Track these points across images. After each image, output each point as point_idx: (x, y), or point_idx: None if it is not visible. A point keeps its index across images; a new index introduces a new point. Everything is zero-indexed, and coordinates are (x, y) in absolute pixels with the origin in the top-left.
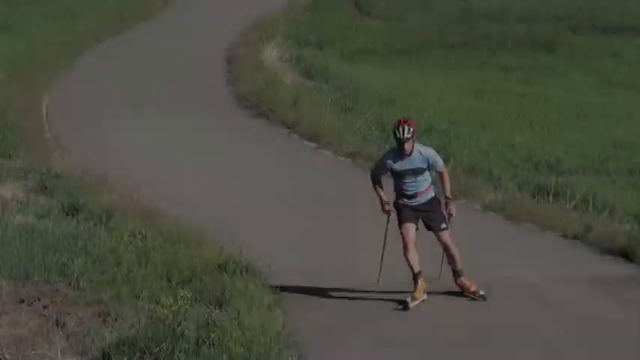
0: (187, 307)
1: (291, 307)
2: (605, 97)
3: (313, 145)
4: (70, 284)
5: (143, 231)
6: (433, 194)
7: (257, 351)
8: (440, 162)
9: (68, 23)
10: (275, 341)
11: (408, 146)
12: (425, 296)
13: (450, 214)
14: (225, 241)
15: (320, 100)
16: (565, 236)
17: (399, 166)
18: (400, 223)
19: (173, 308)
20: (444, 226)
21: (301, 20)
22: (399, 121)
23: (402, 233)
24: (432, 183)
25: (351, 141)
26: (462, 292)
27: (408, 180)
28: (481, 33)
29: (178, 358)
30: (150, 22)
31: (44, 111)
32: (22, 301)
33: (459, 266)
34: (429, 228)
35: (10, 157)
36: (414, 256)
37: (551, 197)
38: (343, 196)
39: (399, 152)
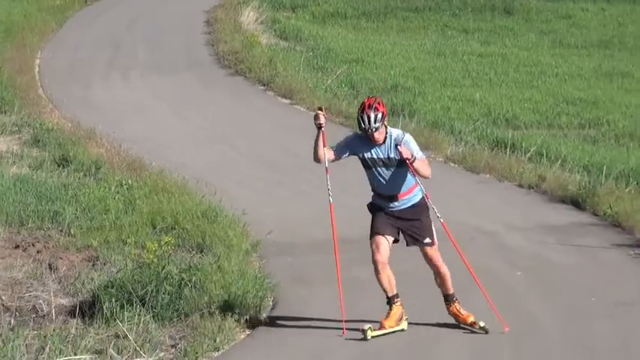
0: (171, 252)
1: (267, 252)
2: (558, 57)
3: (287, 101)
4: (61, 231)
5: (129, 181)
6: (419, 199)
7: (235, 293)
8: (418, 152)
9: None
10: (252, 284)
11: (378, 135)
12: (404, 325)
13: (400, 153)
14: (205, 191)
15: (293, 59)
16: (520, 186)
17: (369, 152)
18: (372, 232)
19: (157, 253)
20: (428, 240)
21: None
22: (363, 107)
23: (372, 245)
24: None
25: (322, 97)
26: (457, 323)
27: (383, 174)
28: None
29: (162, 299)
30: None
31: (36, 70)
32: (17, 247)
33: (451, 290)
34: (411, 241)
35: (5, 113)
36: (387, 277)
37: (508, 150)
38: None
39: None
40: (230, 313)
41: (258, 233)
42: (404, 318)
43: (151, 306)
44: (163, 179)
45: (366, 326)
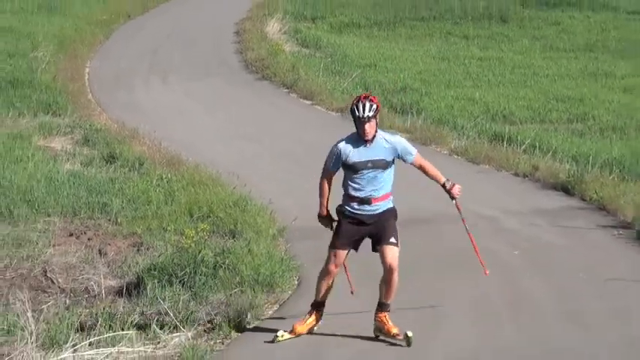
0: (206, 237)
1: (292, 237)
2: (548, 60)
3: (308, 102)
4: (109, 220)
5: (169, 175)
6: (391, 205)
7: (264, 273)
8: (412, 150)
9: (104, 4)
10: (279, 265)
11: (369, 128)
12: (317, 326)
13: (454, 198)
14: (235, 183)
15: (313, 65)
16: (516, 175)
17: (357, 155)
18: (333, 241)
19: (194, 239)
20: (393, 240)
21: None
22: (358, 98)
23: (329, 255)
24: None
25: (339, 98)
26: (377, 334)
27: (365, 177)
28: (446, 8)
29: (199, 279)
30: (173, 1)
31: (86, 77)
32: (71, 235)
33: (390, 299)
34: (375, 244)
35: (59, 116)
36: (327, 285)
37: (505, 143)
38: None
39: (359, 137)
40: (259, 291)
41: (283, 220)
42: (317, 327)
43: (189, 286)
44: (199, 173)
45: (279, 332)
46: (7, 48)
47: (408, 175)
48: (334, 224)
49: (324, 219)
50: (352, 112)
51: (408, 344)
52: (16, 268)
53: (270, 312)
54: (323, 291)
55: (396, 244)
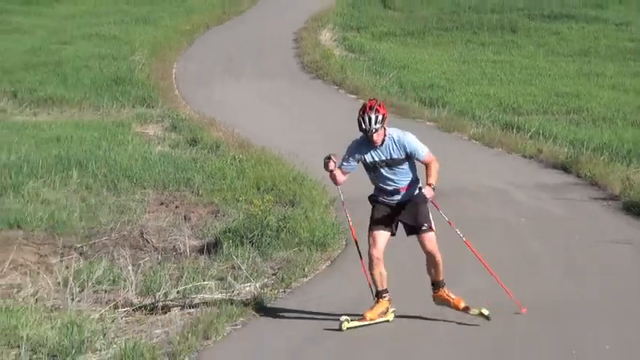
0: (270, 206)
1: (340, 206)
2: (550, 63)
3: (354, 97)
4: (192, 192)
5: (240, 156)
6: (418, 191)
7: (318, 235)
8: (422, 149)
9: (188, 16)
10: (330, 229)
11: (377, 137)
12: (389, 317)
13: (423, 195)
14: (294, 162)
15: (358, 66)
16: (524, 156)
17: (370, 157)
18: (371, 224)
19: (261, 207)
20: (425, 226)
21: (345, 13)
22: (364, 108)
23: (369, 238)
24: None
25: (380, 93)
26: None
27: (385, 174)
28: (466, 20)
29: (265, 240)
30: (243, 15)
31: (173, 77)
32: (162, 204)
33: (441, 276)
34: (410, 231)
35: (152, 108)
36: (379, 272)
37: (514, 130)
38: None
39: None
40: (314, 250)
41: (333, 192)
42: (390, 311)
43: (257, 245)
44: (264, 154)
45: (343, 317)
46: (111, 52)
47: (423, 142)
48: (332, 159)
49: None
50: (359, 124)
51: (487, 319)
52: (119, 231)
53: (324, 267)
54: (377, 279)
55: (429, 229)
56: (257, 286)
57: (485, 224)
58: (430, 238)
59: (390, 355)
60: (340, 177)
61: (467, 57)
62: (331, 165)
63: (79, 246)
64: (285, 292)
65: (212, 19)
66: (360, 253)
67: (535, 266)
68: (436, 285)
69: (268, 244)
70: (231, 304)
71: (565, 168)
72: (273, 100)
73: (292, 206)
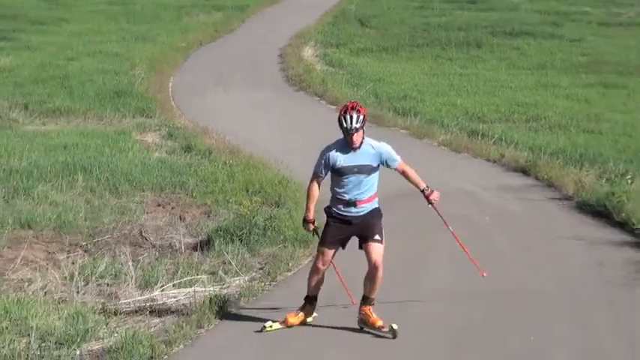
0: (258, 207)
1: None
2: (512, 76)
3: (334, 107)
4: (187, 194)
5: (230, 161)
6: (376, 205)
7: (300, 234)
8: (396, 157)
9: (183, 34)
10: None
11: (357, 138)
12: (310, 318)
13: (431, 203)
14: (280, 167)
15: (338, 79)
16: (488, 160)
17: (344, 160)
18: (322, 241)
19: (250, 208)
20: (378, 237)
21: (325, 31)
22: (346, 107)
23: (318, 253)
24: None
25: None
26: (361, 325)
27: (351, 181)
28: (436, 37)
29: (253, 238)
30: (233, 33)
31: (170, 90)
32: (159, 205)
33: (374, 294)
34: (362, 242)
35: (150, 117)
36: (317, 280)
37: (479, 137)
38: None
39: (346, 144)
40: (297, 247)
41: None
42: (312, 316)
43: (246, 242)
44: (253, 159)
45: (267, 323)
46: (113, 67)
47: (397, 148)
48: (319, 231)
49: (309, 224)
50: (340, 123)
51: (394, 336)
52: (120, 230)
53: (306, 262)
54: (313, 286)
55: (380, 242)
56: (246, 279)
57: (454, 221)
58: (378, 249)
59: (362, 341)
60: (315, 199)
61: (436, 70)
62: (311, 227)
63: (83, 244)
64: (271, 284)
65: (205, 36)
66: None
67: (498, 259)
68: (366, 300)
69: (256, 241)
70: (222, 295)
71: (525, 171)
72: (261, 110)
73: (278, 207)
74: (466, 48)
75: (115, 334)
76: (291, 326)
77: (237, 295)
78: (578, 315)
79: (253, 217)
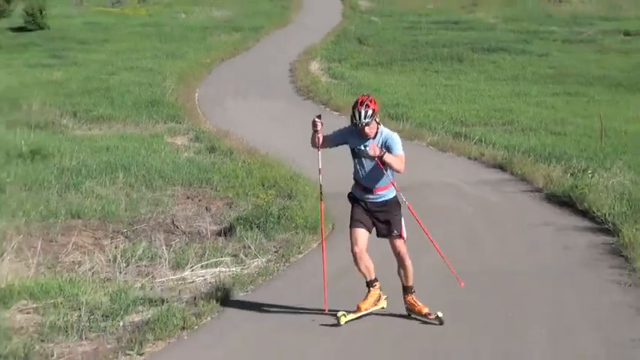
0: (273, 199)
1: (329, 198)
2: (490, 86)
3: (337, 113)
4: (212, 188)
5: (249, 160)
6: (393, 195)
7: (310, 221)
8: (399, 148)
9: (207, 52)
10: (319, 216)
11: (369, 130)
12: (383, 304)
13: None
14: (291, 165)
15: (340, 90)
16: (469, 158)
17: (356, 142)
18: (351, 223)
19: (266, 200)
20: (396, 233)
21: (329, 48)
22: (356, 102)
23: (351, 237)
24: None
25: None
26: (409, 313)
27: (366, 165)
28: (424, 53)
29: (269, 225)
30: (250, 51)
31: (196, 99)
32: (188, 198)
33: (411, 282)
34: (380, 234)
35: (180, 123)
36: (364, 265)
37: (462, 138)
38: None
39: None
40: (307, 233)
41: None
42: (382, 299)
43: (263, 229)
44: (268, 158)
45: (339, 313)
46: (148, 80)
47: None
48: (320, 120)
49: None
50: (351, 117)
51: (441, 323)
52: (155, 219)
53: (315, 245)
54: (364, 271)
55: (399, 236)
56: (263, 261)
57: (441, 211)
58: (399, 244)
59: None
60: (320, 139)
61: (424, 81)
62: (318, 125)
63: (124, 231)
64: (285, 265)
65: (226, 53)
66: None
67: (478, 243)
68: (406, 290)
69: (271, 228)
70: (243, 275)
71: (501, 167)
72: (274, 116)
73: (290, 199)
74: (450, 62)
75: (153, 308)
76: (365, 311)
77: (256, 274)
78: (548, 292)
79: (269, 208)
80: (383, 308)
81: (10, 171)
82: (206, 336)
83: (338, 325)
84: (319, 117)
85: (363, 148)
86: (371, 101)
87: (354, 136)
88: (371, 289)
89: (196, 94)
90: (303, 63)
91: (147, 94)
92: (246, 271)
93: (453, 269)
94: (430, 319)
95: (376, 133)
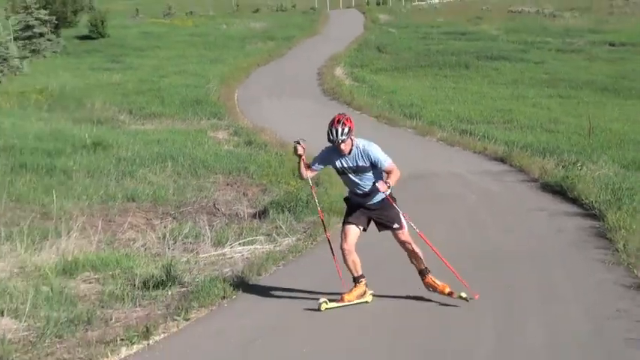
0: (301, 186)
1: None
2: (492, 90)
3: (359, 112)
4: (248, 176)
5: (280, 152)
6: (388, 192)
7: (334, 205)
8: (385, 160)
9: (245, 58)
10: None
11: (344, 146)
12: (368, 298)
13: (376, 186)
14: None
15: (362, 91)
16: (474, 152)
17: (339, 163)
18: (344, 220)
19: (295, 187)
20: (396, 225)
21: (352, 55)
22: (332, 122)
23: (341, 233)
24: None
25: (376, 110)
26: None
27: (353, 179)
28: (434, 60)
29: (298, 208)
30: (283, 57)
31: (235, 99)
32: (228, 184)
33: (423, 265)
34: (382, 228)
35: (222, 120)
36: (352, 261)
37: (468, 134)
38: (372, 139)
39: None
40: (332, 215)
41: None
42: (368, 294)
43: (293, 212)
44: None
45: (321, 299)
46: (193, 83)
47: (405, 143)
48: (300, 149)
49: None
50: (328, 135)
51: (467, 300)
52: (199, 203)
53: (338, 226)
54: (352, 267)
55: (400, 228)
56: (293, 239)
57: (448, 197)
58: (401, 235)
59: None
60: (304, 171)
61: (435, 85)
62: (299, 149)
63: (172, 213)
64: (312, 244)
65: (261, 60)
66: (325, 227)
67: (480, 226)
68: (421, 273)
69: (300, 211)
70: (275, 252)
71: (502, 160)
72: (303, 114)
73: (317, 185)
74: (457, 68)
75: (196, 280)
76: (348, 302)
77: (287, 251)
78: (542, 268)
79: (298, 194)
80: (367, 302)
81: (76, 160)
82: (243, 304)
83: (318, 310)
84: (299, 142)
85: (345, 165)
86: (347, 120)
87: (333, 156)
88: (357, 284)
89: (236, 95)
90: (329, 68)
91: (193, 94)
92: (278, 249)
93: (464, 282)
94: (453, 297)
95: (351, 149)
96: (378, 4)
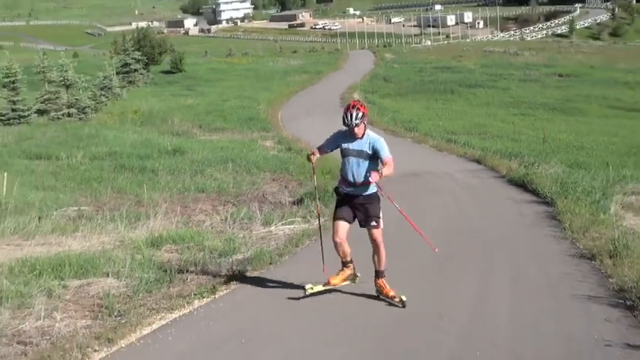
0: (328, 180)
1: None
2: (471, 109)
3: (370, 126)
4: (289, 174)
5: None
6: (374, 190)
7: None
8: (386, 152)
9: (287, 87)
10: None
11: (358, 130)
12: (355, 281)
13: (368, 176)
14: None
15: (372, 111)
16: (458, 156)
17: (345, 144)
18: (334, 216)
19: (325, 181)
20: (374, 223)
21: (365, 84)
22: (348, 106)
23: (333, 227)
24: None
25: (383, 125)
26: (378, 294)
27: (353, 163)
28: (427, 87)
29: (327, 197)
30: (314, 86)
31: (279, 117)
32: (274, 180)
33: (382, 267)
34: (361, 225)
35: (268, 132)
36: (342, 250)
37: (453, 142)
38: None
39: (351, 135)
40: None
41: None
42: (354, 277)
43: (322, 200)
44: (326, 155)
45: (307, 285)
46: (248, 105)
47: (406, 149)
48: (313, 159)
49: (310, 156)
50: (343, 119)
51: (403, 306)
52: (252, 193)
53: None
54: (342, 254)
55: (376, 227)
56: (322, 221)
57: (439, 190)
58: (375, 233)
59: None
60: (317, 156)
61: (428, 106)
62: (313, 159)
63: (232, 201)
64: None
65: (298, 88)
66: (319, 221)
67: (463, 210)
68: (377, 274)
69: (328, 199)
70: (309, 230)
71: (478, 161)
72: (330, 127)
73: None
74: (445, 94)
75: (250, 250)
76: (334, 286)
77: (318, 229)
78: (508, 242)
79: (326, 186)
80: (354, 282)
81: (161, 162)
82: (285, 268)
83: (304, 293)
84: (312, 153)
85: (352, 147)
86: (362, 105)
87: (344, 138)
88: (345, 268)
89: (279, 114)
90: (349, 93)
91: (247, 113)
92: (311, 227)
93: (425, 238)
94: (395, 301)
95: (363, 134)
96: (384, 46)
